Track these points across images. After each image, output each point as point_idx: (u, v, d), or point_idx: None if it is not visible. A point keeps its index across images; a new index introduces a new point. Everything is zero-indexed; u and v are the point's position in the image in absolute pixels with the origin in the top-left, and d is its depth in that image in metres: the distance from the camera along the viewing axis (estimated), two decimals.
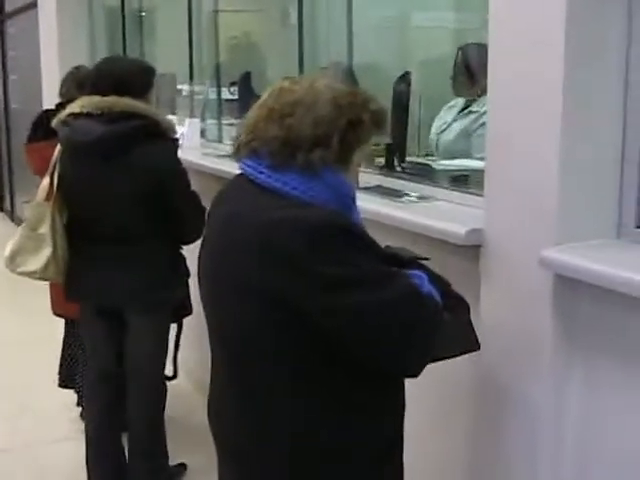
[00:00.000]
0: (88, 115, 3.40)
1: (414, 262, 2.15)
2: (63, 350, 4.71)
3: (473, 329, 2.18)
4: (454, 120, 4.13)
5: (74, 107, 3.46)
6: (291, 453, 2.02)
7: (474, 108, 4.06)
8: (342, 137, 1.97)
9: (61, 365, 4.71)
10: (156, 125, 3.47)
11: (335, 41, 4.82)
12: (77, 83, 4.38)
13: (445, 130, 4.12)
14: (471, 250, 2.54)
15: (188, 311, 3.88)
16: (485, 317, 2.45)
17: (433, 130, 4.17)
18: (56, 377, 4.80)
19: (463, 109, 4.15)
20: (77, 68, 4.54)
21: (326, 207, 1.94)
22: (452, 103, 4.22)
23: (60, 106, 3.91)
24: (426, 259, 2.19)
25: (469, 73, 4.08)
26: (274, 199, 1.95)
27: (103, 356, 3.76)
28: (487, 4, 2.43)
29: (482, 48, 4.06)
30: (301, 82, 2.04)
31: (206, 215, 2.21)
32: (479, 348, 2.21)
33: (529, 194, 2.32)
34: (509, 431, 2.48)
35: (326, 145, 1.96)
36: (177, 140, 3.62)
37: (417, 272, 2.06)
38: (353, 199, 2.07)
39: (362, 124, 2.00)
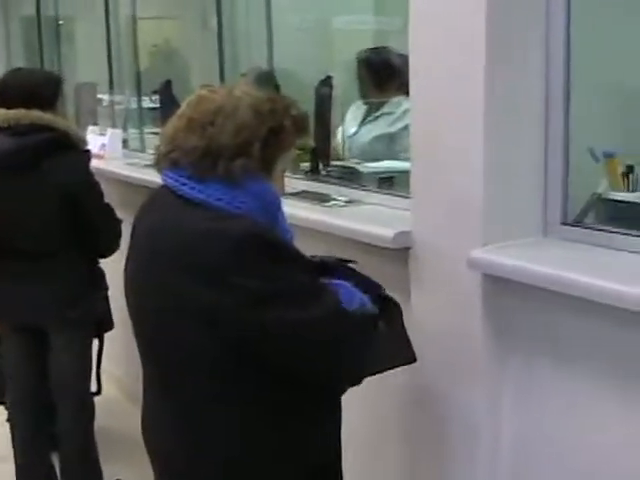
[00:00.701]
0: None
1: (341, 267, 2.13)
2: None
3: (408, 340, 2.15)
4: (364, 124, 4.11)
5: None
6: (225, 468, 1.99)
7: (386, 110, 4.06)
8: (264, 144, 1.93)
9: None
10: (66, 137, 3.39)
11: (256, 46, 4.79)
12: None
13: (356, 134, 4.09)
14: (400, 253, 2.53)
15: (109, 326, 3.81)
16: (416, 319, 2.43)
17: (339, 135, 4.13)
18: None
19: (369, 113, 4.14)
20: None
21: (252, 218, 1.91)
22: (354, 108, 4.18)
23: None
24: (353, 262, 2.17)
25: (376, 79, 4.09)
26: (198, 211, 1.92)
27: (25, 375, 3.68)
28: (407, 7, 2.42)
29: (383, 52, 4.14)
30: (219, 90, 2.01)
31: (131, 227, 2.14)
32: (415, 360, 2.18)
33: (455, 195, 2.32)
34: (446, 435, 2.47)
35: (248, 153, 1.92)
36: (88, 151, 3.55)
37: (344, 283, 2.04)
38: (279, 207, 2.02)
39: (283, 130, 1.97)
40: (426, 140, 2.42)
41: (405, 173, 3.22)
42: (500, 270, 2.19)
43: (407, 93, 3.84)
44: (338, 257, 2.20)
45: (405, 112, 3.82)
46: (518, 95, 2.26)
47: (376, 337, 2.00)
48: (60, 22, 6.67)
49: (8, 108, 3.31)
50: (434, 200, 2.40)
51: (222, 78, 4.15)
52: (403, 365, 2.21)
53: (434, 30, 2.35)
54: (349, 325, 1.94)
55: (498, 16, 2.19)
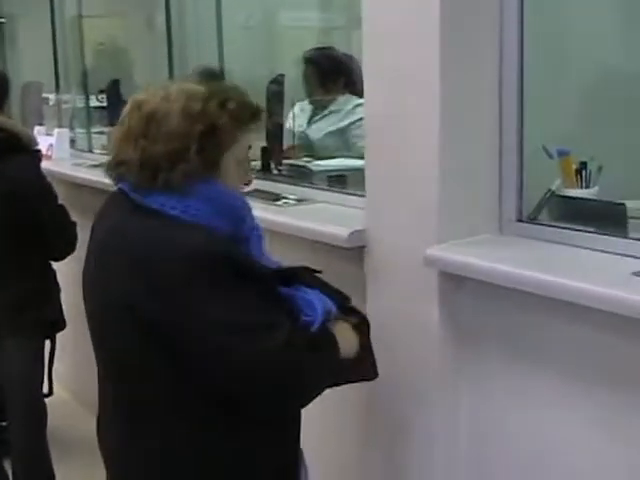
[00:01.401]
0: None
1: (308, 276, 2.06)
2: None
3: (372, 356, 2.11)
4: (311, 122, 4.08)
5: None
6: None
7: (333, 108, 4.05)
8: (199, 147, 1.86)
9: None
10: (16, 138, 3.32)
11: (203, 44, 4.74)
12: None
13: (304, 132, 4.06)
14: (355, 252, 2.50)
15: (61, 326, 3.75)
16: (372, 317, 2.39)
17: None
18: None
19: (315, 112, 4.12)
20: None
21: (208, 227, 1.86)
22: (297, 109, 4.16)
23: None
24: (318, 272, 2.11)
25: (322, 78, 4.08)
26: (152, 218, 1.88)
27: None
28: (352, 3, 2.41)
29: (328, 52, 4.14)
30: (157, 92, 1.93)
31: (90, 230, 2.09)
32: (376, 376, 2.14)
33: (410, 193, 2.30)
34: (402, 436, 2.45)
35: (185, 159, 1.86)
36: (39, 152, 3.47)
37: (312, 290, 1.99)
38: (238, 206, 1.97)
39: (218, 128, 1.89)
40: (380, 138, 2.39)
41: (356, 171, 3.21)
42: (456, 267, 2.18)
43: (352, 92, 3.95)
44: (305, 265, 2.12)
45: (354, 108, 3.83)
46: (472, 93, 2.25)
47: (331, 357, 1.94)
48: (2, 20, 6.55)
49: None
50: (389, 198, 2.37)
51: (171, 77, 4.09)
52: (364, 381, 2.17)
53: (386, 25, 2.33)
54: (296, 361, 1.86)
55: (451, 13, 2.17)
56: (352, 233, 2.46)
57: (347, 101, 3.98)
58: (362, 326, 2.09)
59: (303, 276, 2.03)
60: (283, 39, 5.53)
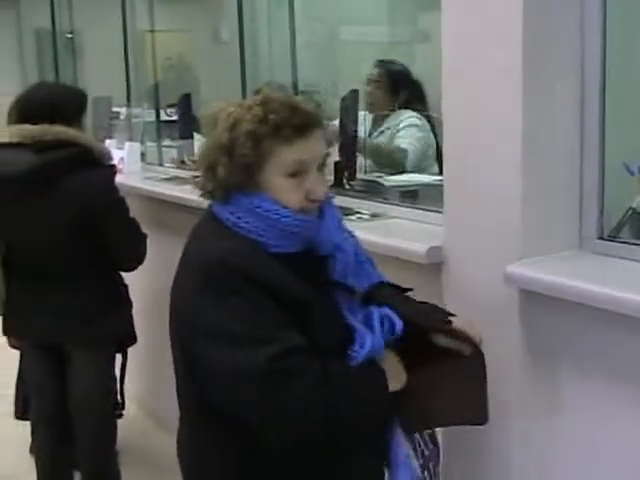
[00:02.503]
0: (18, 145, 3.26)
1: (392, 296, 2.08)
2: (18, 381, 4.55)
3: (483, 397, 2.03)
4: (372, 137, 4.10)
5: (2, 136, 3.32)
6: None
7: (390, 124, 4.07)
8: (236, 157, 1.90)
9: (17, 397, 4.54)
10: (90, 152, 3.32)
11: (271, 59, 4.77)
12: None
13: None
14: (432, 268, 2.50)
15: (132, 340, 3.77)
16: None
17: None
18: None
19: (374, 126, 4.14)
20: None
21: (254, 240, 1.92)
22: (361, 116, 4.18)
23: None
24: (408, 289, 2.16)
25: (385, 90, 4.09)
26: (213, 226, 1.98)
27: (46, 394, 3.64)
28: (416, 18, 2.40)
29: (393, 66, 4.15)
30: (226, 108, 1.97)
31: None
32: (484, 421, 2.07)
33: (490, 209, 2.29)
34: (481, 450, 2.44)
35: (222, 170, 1.92)
36: (113, 167, 3.48)
37: (363, 333, 1.95)
38: (294, 223, 1.93)
39: (255, 141, 1.88)
40: (459, 154, 2.39)
41: (428, 187, 3.21)
42: (537, 285, 2.16)
43: (411, 107, 3.97)
44: (393, 284, 2.17)
45: (404, 128, 3.84)
46: (554, 111, 2.24)
47: (347, 392, 1.87)
48: (70, 35, 6.66)
49: (32, 123, 3.27)
50: (468, 215, 2.37)
51: (244, 92, 4.12)
52: (471, 425, 2.12)
53: (468, 46, 2.33)
54: (275, 382, 1.81)
55: (533, 35, 2.16)
56: (430, 249, 2.46)
57: (398, 118, 4.00)
58: (475, 358, 2.03)
59: (387, 298, 2.05)
60: (345, 54, 5.55)
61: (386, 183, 3.40)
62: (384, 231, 2.76)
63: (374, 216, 3.00)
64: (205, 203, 2.06)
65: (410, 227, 2.84)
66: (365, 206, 3.10)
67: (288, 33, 4.22)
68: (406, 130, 4.01)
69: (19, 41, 7.08)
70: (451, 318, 2.09)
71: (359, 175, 3.49)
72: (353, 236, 2.16)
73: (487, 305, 2.33)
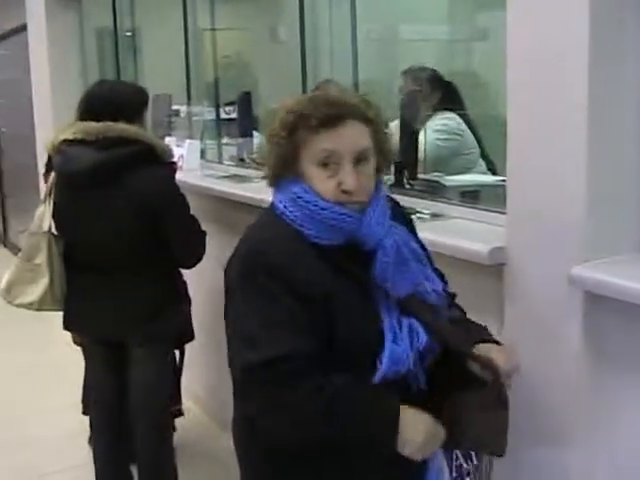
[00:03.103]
0: (81, 142, 3.30)
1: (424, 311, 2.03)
2: (85, 377, 4.62)
3: (500, 429, 2.00)
4: None
5: (67, 133, 3.34)
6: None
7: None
8: (276, 146, 2.02)
9: (84, 392, 4.61)
10: (151, 150, 3.36)
11: (329, 56, 4.76)
12: None
13: None
14: (494, 269, 2.48)
15: (189, 337, 3.79)
16: (509, 338, 2.38)
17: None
18: (56, 404, 4.79)
19: None
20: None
21: (298, 230, 1.98)
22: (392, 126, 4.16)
23: None
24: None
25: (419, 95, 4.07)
26: (266, 214, 2.09)
27: (105, 388, 3.68)
28: (474, 16, 2.38)
29: (422, 71, 4.13)
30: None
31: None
32: (501, 453, 2.03)
33: (554, 211, 2.27)
34: (539, 458, 2.42)
35: (269, 158, 2.06)
36: (174, 164, 3.51)
37: (391, 347, 1.94)
38: (331, 216, 1.97)
39: (289, 131, 1.99)
40: (524, 157, 2.37)
41: (489, 187, 3.18)
42: (602, 287, 2.13)
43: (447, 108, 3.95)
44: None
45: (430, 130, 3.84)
46: (618, 111, 2.21)
47: (343, 407, 1.88)
48: (129, 34, 6.72)
49: (95, 121, 3.31)
50: (531, 215, 2.35)
51: (304, 90, 4.12)
52: (488, 454, 2.11)
53: (531, 42, 2.31)
54: (261, 385, 1.88)
55: (600, 30, 2.14)
56: (492, 250, 2.45)
57: (433, 120, 3.99)
58: (494, 389, 1.98)
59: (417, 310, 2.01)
60: (404, 52, 5.53)
61: (447, 183, 3.39)
62: (445, 231, 2.74)
63: (434, 216, 2.99)
64: (265, 200, 2.13)
65: (471, 227, 2.82)
66: (425, 206, 3.09)
67: (349, 32, 4.20)
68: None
69: (81, 40, 7.15)
70: (483, 345, 2.07)
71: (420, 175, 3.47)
72: (413, 230, 2.21)
73: (549, 307, 2.31)
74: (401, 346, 1.94)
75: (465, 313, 2.26)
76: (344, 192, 1.96)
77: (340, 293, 1.94)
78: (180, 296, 3.63)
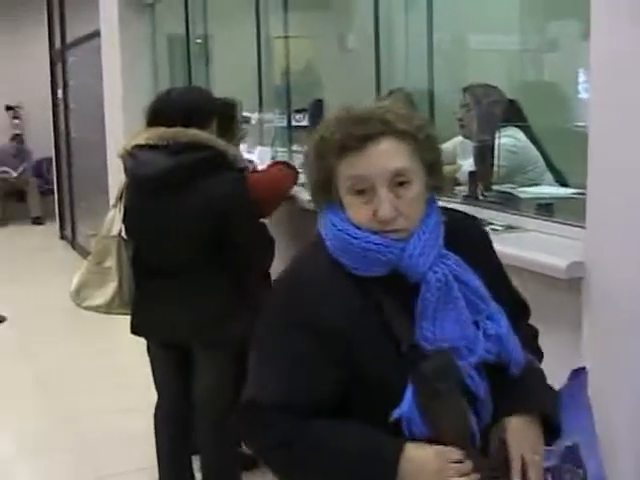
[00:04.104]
0: (153, 146, 3.31)
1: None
2: None
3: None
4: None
5: (139, 138, 3.36)
6: None
7: None
8: (312, 170, 1.83)
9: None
10: (222, 156, 3.35)
11: (401, 65, 4.76)
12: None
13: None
14: (571, 283, 2.45)
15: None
16: (588, 352, 2.36)
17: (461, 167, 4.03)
18: (121, 406, 4.87)
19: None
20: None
21: (334, 259, 1.80)
22: (455, 141, 4.12)
23: None
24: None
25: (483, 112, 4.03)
26: (315, 240, 1.90)
27: (169, 391, 3.69)
28: (545, 26, 2.35)
29: (487, 88, 4.08)
30: None
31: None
32: None
33: (636, 225, 2.24)
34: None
35: (309, 182, 1.88)
36: (244, 170, 3.51)
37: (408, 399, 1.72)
38: (365, 246, 1.75)
39: (321, 155, 1.78)
40: (605, 170, 2.35)
41: (564, 200, 3.15)
42: None
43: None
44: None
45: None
46: None
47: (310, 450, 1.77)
48: (200, 40, 6.78)
49: (167, 127, 3.32)
50: (613, 231, 2.32)
51: (378, 97, 4.11)
52: None
53: (617, 62, 2.28)
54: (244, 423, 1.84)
55: None
56: (571, 264, 2.42)
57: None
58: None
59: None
60: (472, 62, 5.50)
61: (521, 195, 3.36)
62: (520, 244, 2.72)
63: (508, 228, 2.96)
64: None
65: (546, 240, 2.79)
66: (499, 218, 3.07)
67: (424, 41, 4.18)
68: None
69: (152, 46, 7.24)
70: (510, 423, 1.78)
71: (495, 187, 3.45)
72: (484, 259, 1.89)
73: (628, 322, 2.28)
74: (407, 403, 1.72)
75: (542, 355, 1.98)
76: (379, 221, 1.74)
77: (365, 332, 1.75)
78: (247, 302, 3.54)
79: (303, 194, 4.01)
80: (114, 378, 5.60)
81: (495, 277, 1.90)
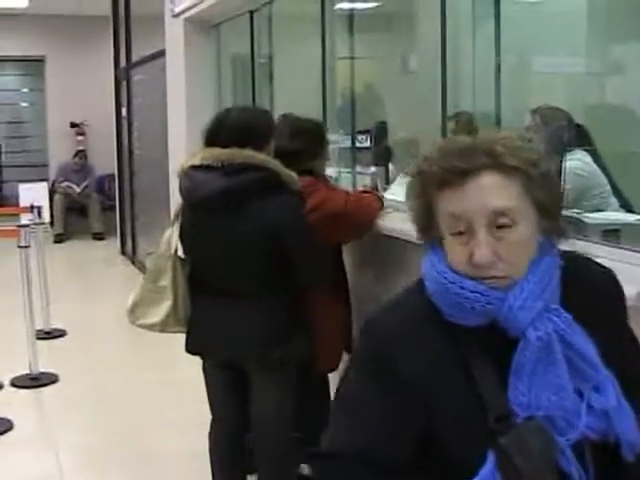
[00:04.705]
0: (208, 167, 3.30)
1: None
2: None
3: None
4: None
5: (195, 159, 3.36)
6: None
7: None
8: (414, 207, 1.71)
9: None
10: (277, 177, 3.33)
11: (465, 87, 4.72)
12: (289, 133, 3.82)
13: None
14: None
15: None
16: None
17: None
18: (178, 422, 4.92)
19: None
20: (285, 117, 4.11)
21: (432, 304, 1.65)
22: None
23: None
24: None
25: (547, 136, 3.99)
26: (418, 279, 1.79)
27: (225, 413, 3.68)
28: (611, 47, 2.30)
29: (555, 111, 4.02)
30: None
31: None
32: None
33: None
34: None
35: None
36: (300, 192, 3.45)
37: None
38: (458, 292, 1.59)
39: (424, 190, 1.64)
40: None
41: (631, 226, 3.09)
42: None
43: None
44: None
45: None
46: None
47: None
48: (264, 60, 6.81)
49: (222, 147, 3.32)
50: None
51: (444, 121, 4.08)
52: None
53: None
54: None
55: None
56: None
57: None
58: None
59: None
60: (538, 85, 5.45)
61: (587, 220, 3.30)
62: None
63: None
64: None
65: (613, 267, 2.72)
66: (566, 243, 3.00)
67: (490, 63, 4.13)
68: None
69: (217, 66, 7.29)
70: None
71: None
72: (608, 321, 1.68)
73: None
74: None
75: None
76: (474, 266, 1.58)
77: (449, 388, 1.61)
78: (305, 324, 3.57)
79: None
80: (173, 394, 5.65)
81: (618, 342, 1.69)
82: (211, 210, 3.34)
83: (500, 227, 1.57)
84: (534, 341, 1.57)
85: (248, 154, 3.30)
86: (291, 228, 3.36)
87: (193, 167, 3.37)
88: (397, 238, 3.76)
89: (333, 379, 4.02)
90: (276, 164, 3.37)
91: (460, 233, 1.58)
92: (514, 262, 1.58)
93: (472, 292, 1.57)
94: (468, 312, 1.59)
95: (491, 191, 1.56)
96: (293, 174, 3.42)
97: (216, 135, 3.39)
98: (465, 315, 1.60)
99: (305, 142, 3.79)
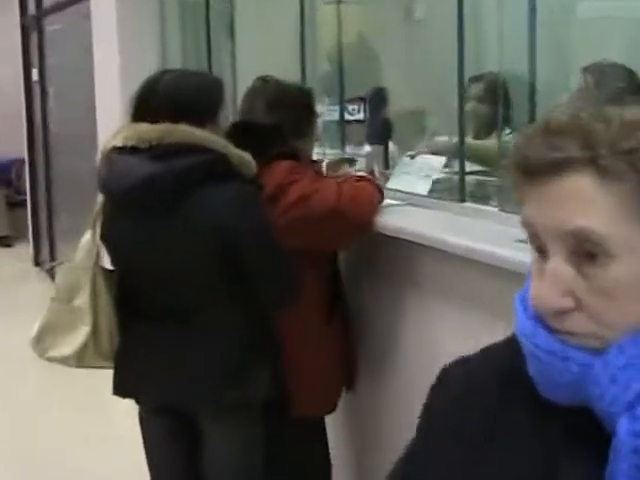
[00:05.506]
0: (133, 149, 3.25)
1: None
2: None
3: None
4: None
5: (117, 139, 3.30)
6: None
7: None
8: None
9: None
10: (224, 161, 3.27)
11: (490, 43, 4.74)
12: (266, 103, 3.85)
13: None
14: None
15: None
16: None
17: None
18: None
19: None
20: (265, 81, 4.05)
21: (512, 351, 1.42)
22: None
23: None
24: None
25: (606, 99, 4.02)
26: None
27: (167, 470, 3.69)
28: None
29: (613, 68, 4.06)
30: None
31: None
32: None
33: None
34: None
35: None
36: (256, 181, 3.39)
37: None
38: (530, 333, 1.33)
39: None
40: None
41: None
42: None
43: None
44: None
45: None
46: None
47: None
48: (219, 6, 6.77)
49: (152, 122, 3.27)
50: None
51: (461, 85, 4.07)
52: None
53: None
54: None
55: None
56: None
57: None
58: None
59: None
60: (582, 34, 5.48)
61: None
62: None
63: None
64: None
65: None
66: None
67: (521, 11, 4.14)
68: None
69: (160, 12, 7.21)
70: None
71: None
72: None
73: None
74: None
75: None
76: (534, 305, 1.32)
77: None
78: (273, 353, 3.55)
79: None
80: (98, 446, 5.66)
81: None
82: (137, 206, 3.29)
83: (586, 257, 1.27)
84: (626, 438, 1.25)
85: (185, 131, 3.24)
86: (243, 227, 3.31)
87: (115, 149, 3.32)
88: (407, 240, 3.67)
89: (332, 424, 4.05)
90: (223, 144, 3.31)
91: (540, 250, 1.32)
92: (602, 315, 1.28)
93: (547, 351, 1.32)
94: (551, 380, 1.33)
95: (574, 201, 1.26)
96: (246, 155, 3.36)
97: (145, 107, 3.35)
98: (549, 386, 1.34)
99: (287, 115, 3.76)
